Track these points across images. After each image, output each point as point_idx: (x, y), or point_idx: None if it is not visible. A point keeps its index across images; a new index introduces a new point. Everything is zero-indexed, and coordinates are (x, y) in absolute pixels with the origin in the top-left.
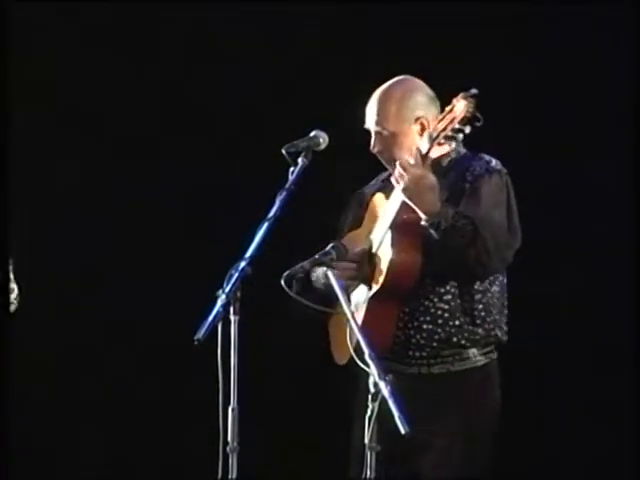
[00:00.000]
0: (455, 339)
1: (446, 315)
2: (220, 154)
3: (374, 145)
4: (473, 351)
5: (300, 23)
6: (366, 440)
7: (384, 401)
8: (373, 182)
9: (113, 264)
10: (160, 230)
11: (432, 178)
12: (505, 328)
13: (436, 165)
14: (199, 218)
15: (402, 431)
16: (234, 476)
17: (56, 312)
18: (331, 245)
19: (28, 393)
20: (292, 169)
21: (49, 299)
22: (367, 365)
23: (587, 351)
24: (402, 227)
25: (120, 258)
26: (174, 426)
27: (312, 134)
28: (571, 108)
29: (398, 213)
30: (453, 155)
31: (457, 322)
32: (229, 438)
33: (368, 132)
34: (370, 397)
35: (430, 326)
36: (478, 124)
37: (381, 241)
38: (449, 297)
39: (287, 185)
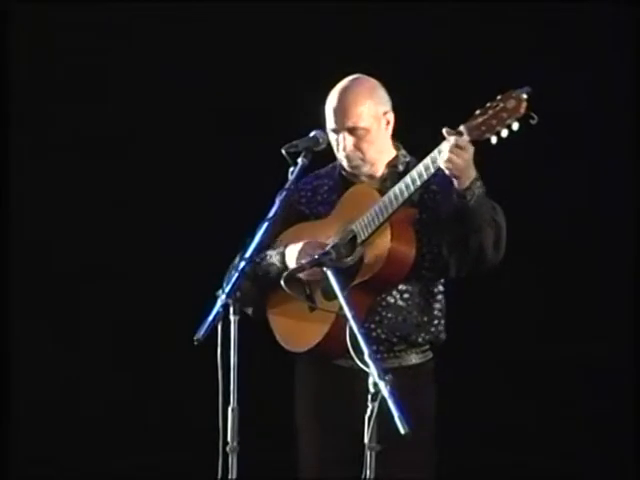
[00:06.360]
0: (414, 336)
1: (407, 312)
2: (220, 154)
3: (346, 145)
4: (422, 348)
5: (300, 22)
6: (366, 440)
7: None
8: (308, 179)
9: (113, 264)
10: (160, 230)
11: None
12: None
13: (391, 167)
14: (199, 218)
15: (402, 431)
16: (234, 476)
17: (56, 311)
18: (331, 245)
19: (28, 392)
20: (292, 169)
21: (49, 298)
22: (367, 365)
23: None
24: (404, 220)
25: (120, 258)
26: (174, 426)
27: (312, 134)
28: (571, 108)
29: (400, 207)
30: (404, 159)
31: (418, 320)
32: (229, 438)
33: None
34: (370, 397)
35: (392, 322)
36: (533, 122)
37: (371, 232)
38: (407, 295)
39: (287, 185)
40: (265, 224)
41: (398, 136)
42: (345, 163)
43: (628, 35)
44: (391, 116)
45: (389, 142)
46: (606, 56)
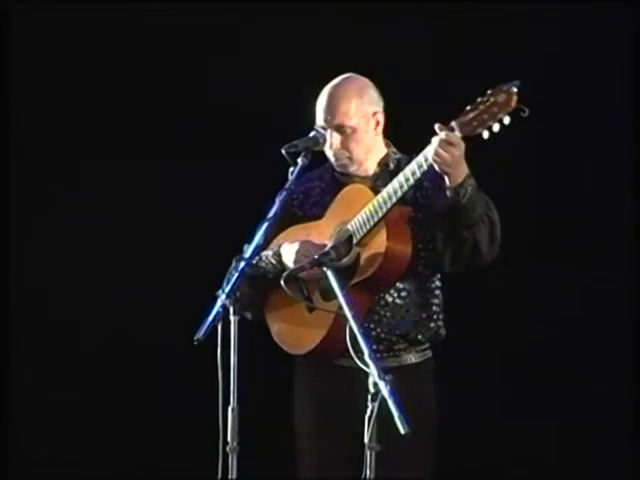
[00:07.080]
0: (413, 334)
1: (405, 310)
2: (220, 154)
3: (332, 142)
4: (421, 347)
5: (299, 22)
6: (366, 440)
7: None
8: (300, 181)
9: (113, 264)
10: (160, 230)
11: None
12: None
13: (383, 166)
14: (199, 218)
15: (402, 431)
16: (234, 476)
17: (56, 311)
18: (330, 245)
19: (29, 391)
20: (292, 169)
21: (49, 297)
22: (367, 365)
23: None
24: (399, 219)
25: (120, 258)
26: (174, 426)
27: (312, 134)
28: (571, 106)
29: (394, 205)
30: (395, 157)
31: (416, 317)
32: (229, 438)
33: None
34: (370, 397)
35: (391, 320)
36: (524, 114)
37: (367, 232)
38: (405, 293)
39: (287, 185)
40: (265, 224)
41: (396, 136)
42: (333, 161)
43: (628, 35)
44: (381, 116)
45: (380, 142)
46: (606, 56)
